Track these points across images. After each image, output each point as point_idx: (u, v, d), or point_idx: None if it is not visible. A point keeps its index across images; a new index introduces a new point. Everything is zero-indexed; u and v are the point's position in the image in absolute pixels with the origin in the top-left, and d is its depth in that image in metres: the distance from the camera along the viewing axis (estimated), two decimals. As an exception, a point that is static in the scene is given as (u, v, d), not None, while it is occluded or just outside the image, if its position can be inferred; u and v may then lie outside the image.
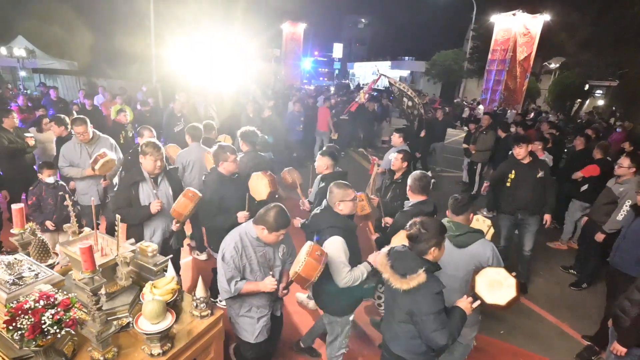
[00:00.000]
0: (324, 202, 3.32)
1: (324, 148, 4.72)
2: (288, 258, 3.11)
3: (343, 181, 3.29)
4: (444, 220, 3.12)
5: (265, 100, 10.59)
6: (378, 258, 2.62)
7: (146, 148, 3.53)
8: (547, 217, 5.19)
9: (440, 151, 11.23)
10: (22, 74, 16.32)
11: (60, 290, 1.97)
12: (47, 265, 2.41)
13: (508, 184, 5.21)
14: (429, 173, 4.22)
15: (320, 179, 4.38)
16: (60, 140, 5.52)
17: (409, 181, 3.78)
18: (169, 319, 2.25)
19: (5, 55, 15.34)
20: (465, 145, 9.43)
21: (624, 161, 4.97)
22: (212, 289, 3.67)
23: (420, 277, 2.33)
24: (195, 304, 2.53)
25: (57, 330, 1.83)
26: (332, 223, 3.11)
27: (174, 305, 2.44)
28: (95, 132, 5.04)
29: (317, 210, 3.38)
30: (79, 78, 17.18)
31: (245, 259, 2.85)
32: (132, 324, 2.26)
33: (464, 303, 2.55)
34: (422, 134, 9.02)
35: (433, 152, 11.21)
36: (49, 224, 4.20)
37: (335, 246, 2.97)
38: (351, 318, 3.43)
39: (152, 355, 2.18)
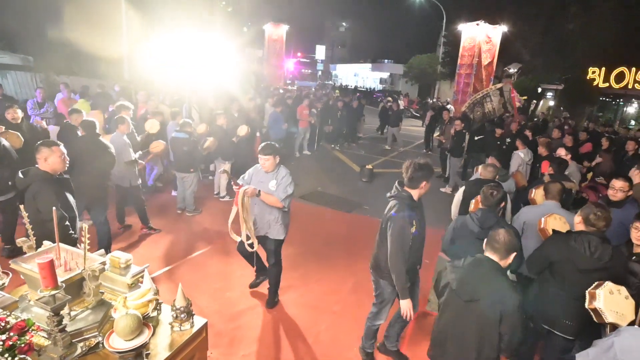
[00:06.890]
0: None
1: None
2: None
3: None
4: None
5: (248, 101, 10.04)
6: None
7: None
8: None
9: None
10: (-41, 68, 12.25)
11: (12, 313, 1.57)
12: (-4, 287, 1.99)
13: None
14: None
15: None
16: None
17: None
18: (146, 333, 1.88)
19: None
20: (436, 136, 11.71)
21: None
22: None
23: None
24: (174, 315, 2.13)
25: (9, 358, 1.47)
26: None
27: (151, 318, 2.06)
28: None
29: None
30: (35, 75, 13.91)
31: None
32: (103, 343, 1.86)
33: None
34: (498, 132, 8.61)
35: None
36: None
37: None
38: None
39: (126, 374, 1.81)
